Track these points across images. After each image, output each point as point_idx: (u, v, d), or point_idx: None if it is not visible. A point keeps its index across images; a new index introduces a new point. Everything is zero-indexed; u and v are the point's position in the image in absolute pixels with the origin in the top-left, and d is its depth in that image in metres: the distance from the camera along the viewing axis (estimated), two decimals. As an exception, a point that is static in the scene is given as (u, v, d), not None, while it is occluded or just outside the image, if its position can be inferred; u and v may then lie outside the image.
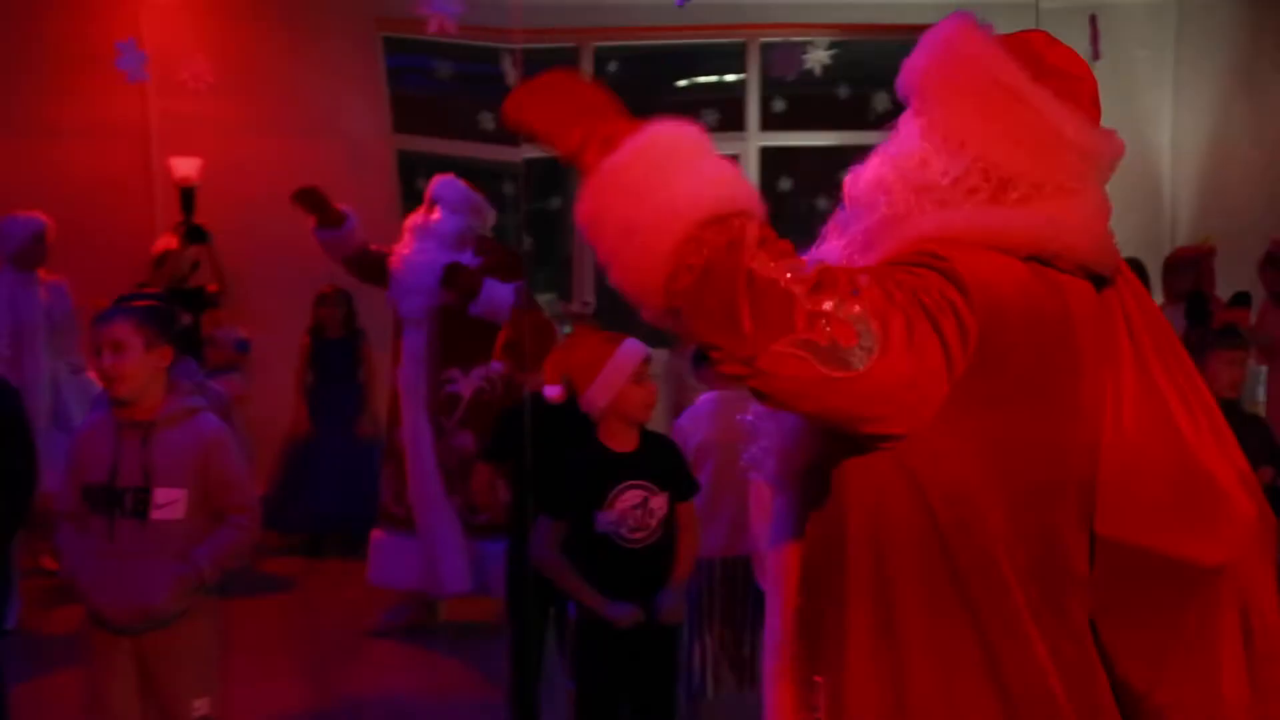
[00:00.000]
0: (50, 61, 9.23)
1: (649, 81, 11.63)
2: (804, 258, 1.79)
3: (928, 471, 1.90)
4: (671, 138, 1.86)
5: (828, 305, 1.72)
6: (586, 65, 10.80)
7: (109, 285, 6.48)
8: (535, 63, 10.68)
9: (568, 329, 9.01)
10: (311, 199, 7.05)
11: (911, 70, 2.09)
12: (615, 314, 8.36)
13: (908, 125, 2.08)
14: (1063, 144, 1.99)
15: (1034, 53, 2.04)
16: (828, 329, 1.72)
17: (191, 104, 9.23)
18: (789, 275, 1.73)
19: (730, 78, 11.10)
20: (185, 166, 9.33)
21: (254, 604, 7.37)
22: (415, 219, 7.19)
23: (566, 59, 10.78)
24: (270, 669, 6.49)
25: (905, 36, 10.33)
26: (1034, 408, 1.92)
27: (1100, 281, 2.05)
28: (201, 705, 4.18)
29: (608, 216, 1.84)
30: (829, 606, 2.00)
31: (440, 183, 7.20)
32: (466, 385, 6.98)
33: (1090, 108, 2.06)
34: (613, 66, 11.03)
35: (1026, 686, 1.94)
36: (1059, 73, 2.04)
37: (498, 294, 6.84)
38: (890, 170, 2.04)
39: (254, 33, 9.64)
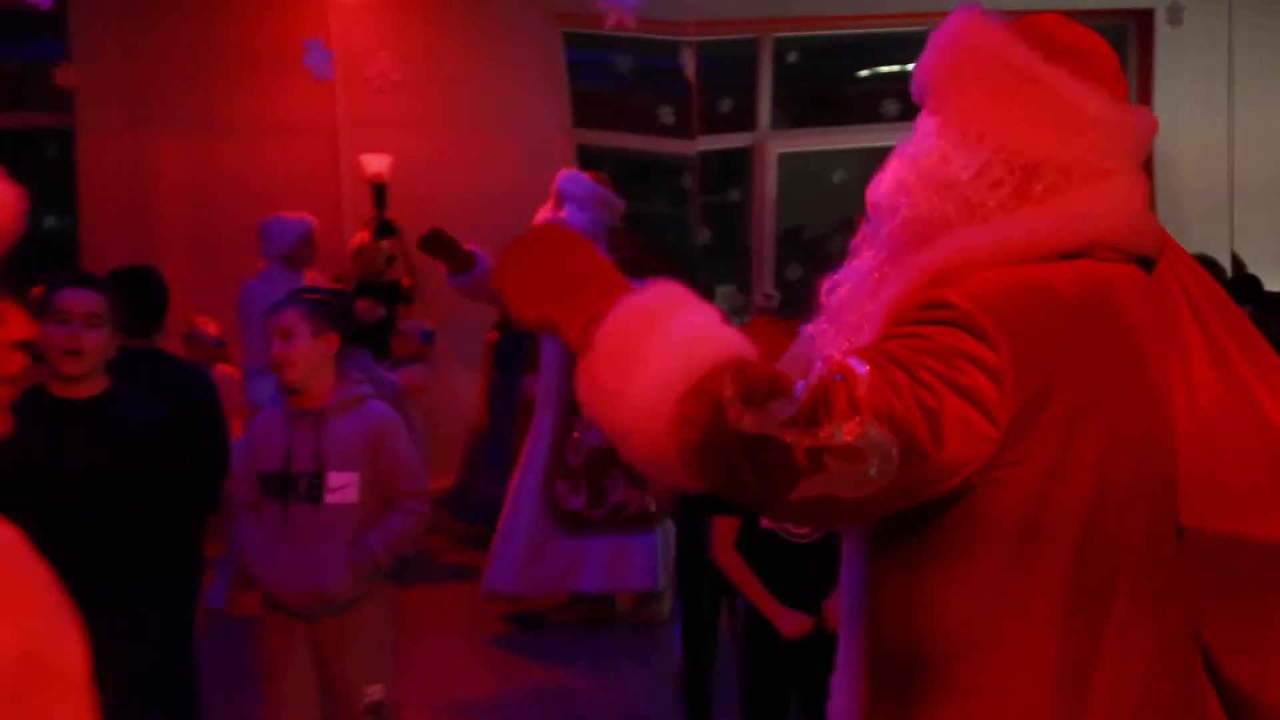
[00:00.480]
0: (241, 62, 9.49)
1: (830, 72, 11.54)
2: (793, 388, 1.69)
3: (1005, 502, 1.80)
4: (630, 319, 1.79)
5: (825, 434, 1.65)
6: (765, 56, 10.76)
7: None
8: (712, 56, 10.68)
9: (746, 320, 8.97)
10: (438, 244, 6.80)
11: (923, 69, 2.01)
12: (798, 306, 8.31)
13: (924, 124, 1.99)
14: (1086, 122, 1.90)
15: (1045, 33, 1.95)
16: (833, 461, 1.65)
17: (377, 101, 9.41)
18: (778, 420, 1.66)
19: (913, 67, 10.92)
20: (377, 163, 9.51)
21: (435, 592, 7.50)
22: (543, 215, 6.97)
23: (745, 51, 10.74)
24: (448, 657, 6.60)
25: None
26: (1103, 412, 1.82)
27: (1149, 263, 1.96)
28: (375, 691, 4.23)
29: (602, 420, 1.80)
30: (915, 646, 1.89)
31: (566, 177, 7.06)
32: None
33: (1112, 84, 1.95)
34: (792, 57, 10.96)
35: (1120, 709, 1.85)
36: (1074, 51, 1.94)
37: None
38: (910, 171, 1.95)
39: (437, 30, 9.79)
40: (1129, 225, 1.93)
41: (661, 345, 1.75)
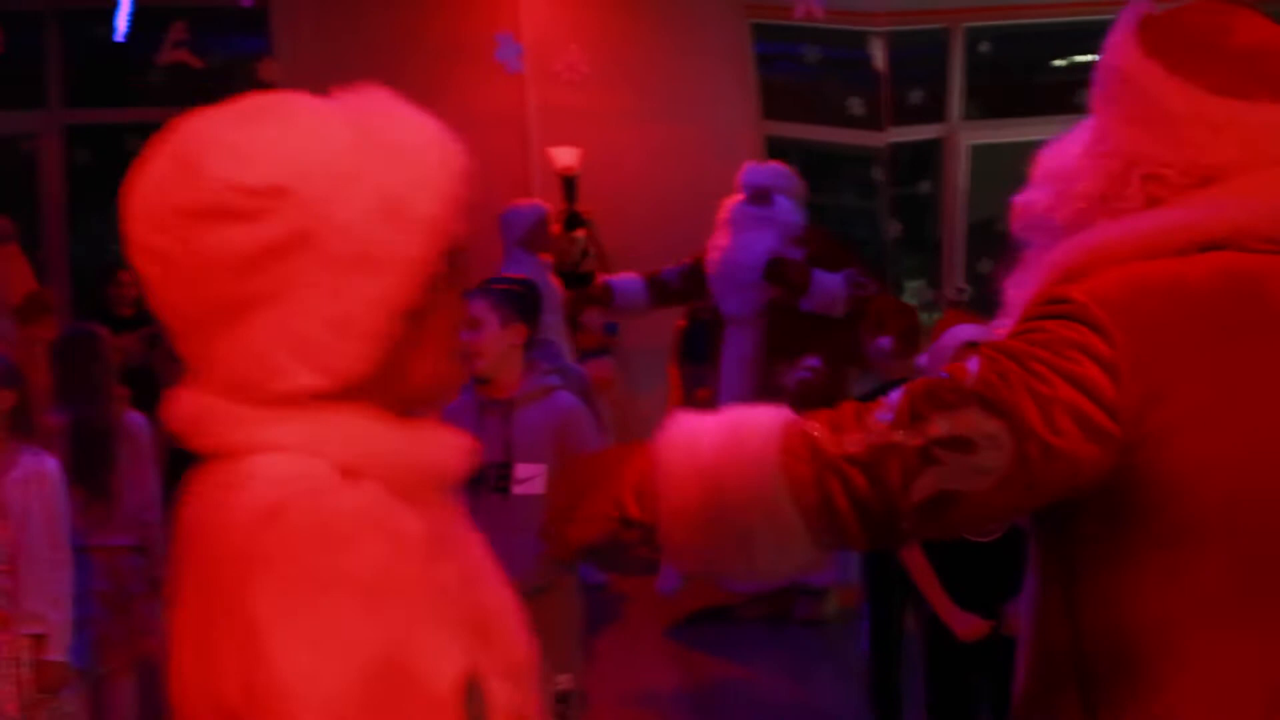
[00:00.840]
0: (433, 54, 9.64)
1: (1024, 62, 11.33)
2: (883, 400, 1.71)
3: (1146, 504, 1.73)
4: (678, 443, 1.80)
5: (933, 429, 1.66)
6: (957, 46, 10.60)
7: (491, 272, 6.72)
8: (902, 46, 10.56)
9: (936, 315, 8.88)
10: (586, 298, 7.20)
11: None
12: (990, 300, 8.18)
13: (1078, 126, 2.00)
14: (1173, 119, 1.84)
15: (1155, 29, 1.89)
16: (944, 453, 1.66)
17: (566, 94, 9.48)
18: (879, 428, 1.68)
19: (1109, 56, 10.68)
20: (566, 156, 9.60)
21: (627, 584, 7.53)
22: (738, 210, 6.93)
23: (936, 40, 10.61)
24: (636, 648, 6.64)
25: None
26: (1247, 406, 1.73)
27: None
28: (564, 680, 4.27)
29: (718, 540, 1.78)
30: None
31: (773, 171, 7.03)
32: (790, 377, 6.80)
33: (1225, 74, 1.84)
34: (984, 47, 10.80)
35: None
36: (1183, 43, 1.87)
37: (828, 284, 6.55)
38: (1039, 170, 1.99)
39: (626, 22, 9.85)
40: (1274, 214, 1.85)
41: (721, 441, 1.77)
